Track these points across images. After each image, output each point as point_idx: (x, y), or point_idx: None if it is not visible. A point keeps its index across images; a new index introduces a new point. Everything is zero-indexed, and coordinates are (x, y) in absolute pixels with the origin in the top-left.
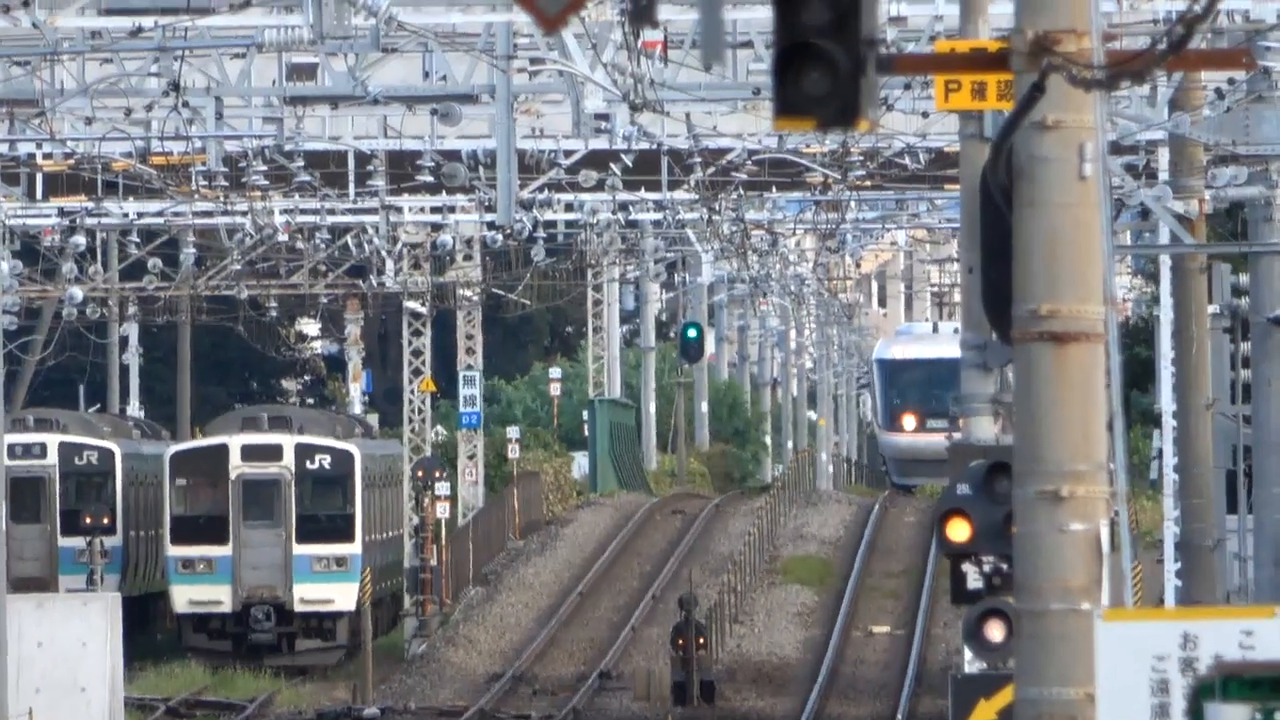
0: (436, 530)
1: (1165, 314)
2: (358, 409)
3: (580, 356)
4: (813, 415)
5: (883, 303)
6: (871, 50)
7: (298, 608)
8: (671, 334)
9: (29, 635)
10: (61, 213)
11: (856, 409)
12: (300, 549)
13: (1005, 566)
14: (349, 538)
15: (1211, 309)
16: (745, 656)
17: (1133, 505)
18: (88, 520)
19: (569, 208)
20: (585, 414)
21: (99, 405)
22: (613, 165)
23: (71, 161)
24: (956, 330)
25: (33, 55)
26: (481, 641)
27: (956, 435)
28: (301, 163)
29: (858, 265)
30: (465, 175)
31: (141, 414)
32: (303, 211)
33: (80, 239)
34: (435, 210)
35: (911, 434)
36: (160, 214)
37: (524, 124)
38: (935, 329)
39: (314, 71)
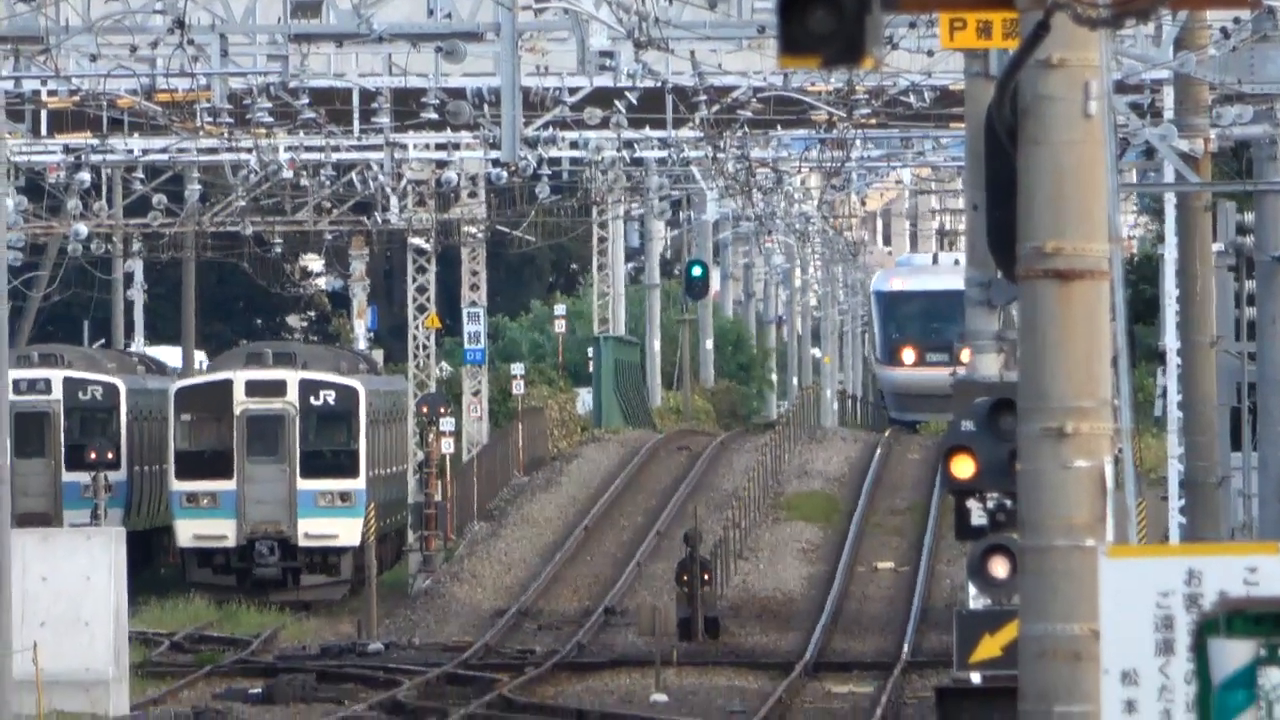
0: (441, 466)
1: (1170, 252)
2: (362, 345)
3: (583, 293)
4: (817, 353)
5: (888, 240)
6: None
7: (302, 543)
8: (676, 271)
9: (33, 570)
10: (66, 149)
11: (861, 346)
12: (305, 484)
13: (1009, 503)
14: (353, 473)
15: (1216, 247)
16: (750, 592)
17: (1137, 442)
18: (92, 455)
19: (574, 145)
20: (590, 350)
21: (103, 341)
22: (617, 103)
23: (76, 98)
24: (957, 262)
25: None
26: (486, 577)
27: (957, 370)
28: (306, 100)
29: (863, 203)
30: (470, 113)
31: (146, 350)
32: (307, 148)
33: (85, 175)
34: (440, 147)
35: (911, 368)
36: (165, 150)
37: (529, 61)
38: (935, 260)
39: (319, 9)
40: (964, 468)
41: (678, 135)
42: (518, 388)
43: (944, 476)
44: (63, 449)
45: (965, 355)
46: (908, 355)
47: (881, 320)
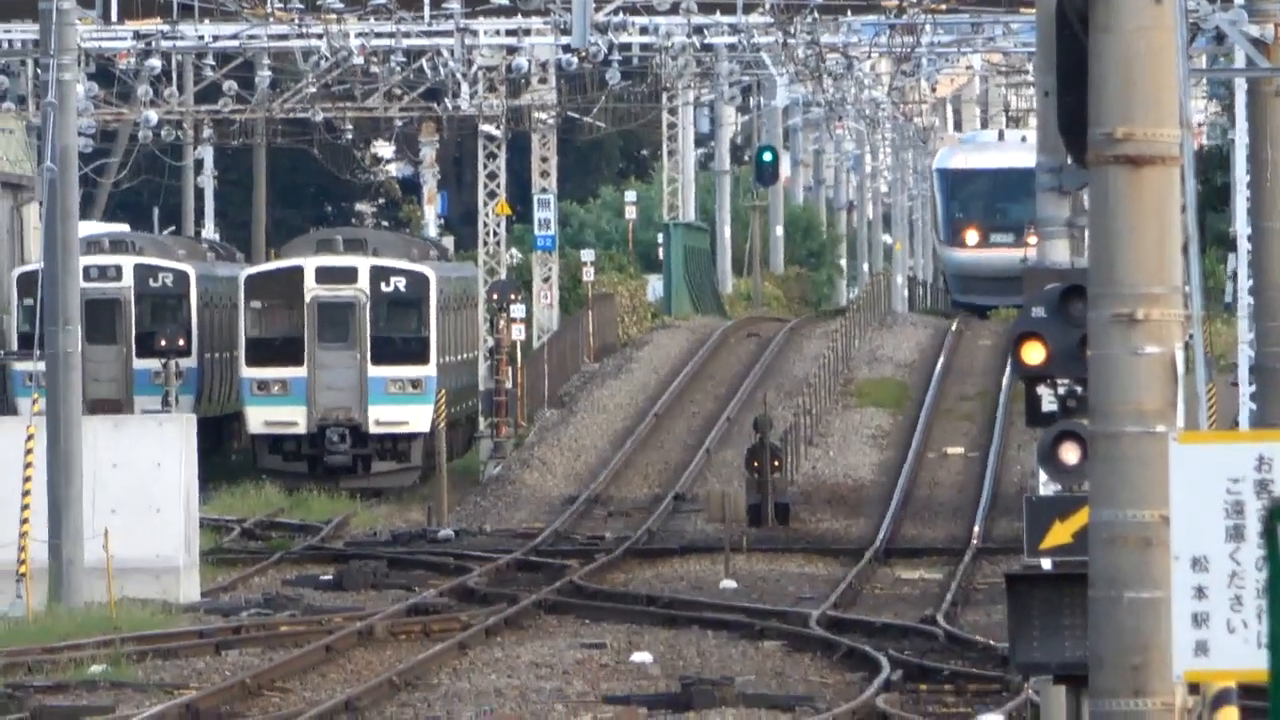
0: (511, 353)
1: (1240, 138)
2: (433, 232)
3: (652, 180)
4: (888, 239)
5: (958, 126)
6: None
7: (373, 429)
8: (746, 157)
9: (104, 456)
10: (137, 36)
11: (931, 232)
12: (375, 371)
13: (1080, 389)
14: (424, 360)
15: None
16: (820, 479)
17: (1207, 328)
18: (163, 342)
19: (644, 31)
20: (660, 237)
21: (174, 228)
22: None
23: None
24: (1024, 139)
25: None
26: (556, 464)
27: (1027, 254)
28: None
29: (933, 89)
30: None
31: (216, 236)
32: (378, 34)
33: (155, 62)
34: (510, 33)
35: (974, 249)
36: (235, 37)
37: None
38: (1001, 137)
39: None
40: (1034, 354)
41: (748, 21)
42: (588, 274)
43: (1014, 363)
44: (133, 335)
45: (1033, 239)
46: (971, 236)
47: (945, 199)
